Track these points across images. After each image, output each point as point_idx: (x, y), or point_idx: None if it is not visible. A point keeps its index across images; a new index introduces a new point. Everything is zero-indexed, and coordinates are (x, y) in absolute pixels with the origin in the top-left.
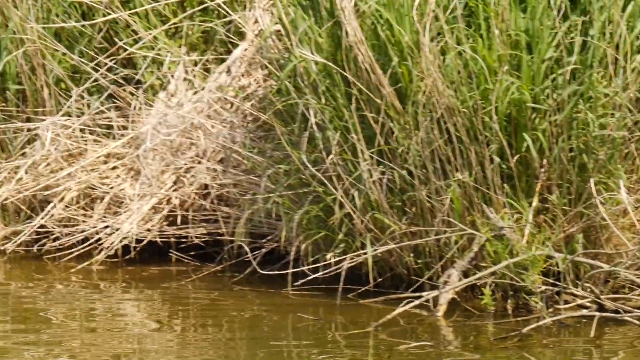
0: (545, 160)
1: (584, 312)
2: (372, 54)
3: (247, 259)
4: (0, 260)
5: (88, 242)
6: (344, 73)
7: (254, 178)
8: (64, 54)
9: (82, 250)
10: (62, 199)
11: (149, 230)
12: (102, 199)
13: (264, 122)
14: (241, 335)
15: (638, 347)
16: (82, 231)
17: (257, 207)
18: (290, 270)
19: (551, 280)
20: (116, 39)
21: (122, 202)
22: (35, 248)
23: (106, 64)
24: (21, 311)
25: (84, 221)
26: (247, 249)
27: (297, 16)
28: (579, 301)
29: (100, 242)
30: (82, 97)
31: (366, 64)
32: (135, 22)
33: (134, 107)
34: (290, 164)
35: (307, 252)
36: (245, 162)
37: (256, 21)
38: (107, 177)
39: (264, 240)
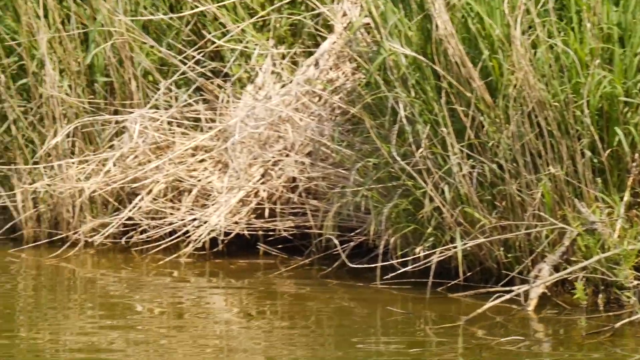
0: (637, 154)
1: None
2: (463, 47)
3: (334, 252)
4: (88, 252)
5: (175, 235)
6: (433, 66)
7: (342, 171)
8: (152, 47)
9: (169, 243)
10: (150, 191)
11: (236, 223)
12: (190, 191)
13: (352, 115)
14: (329, 326)
15: None
16: (170, 224)
17: (346, 200)
18: (379, 264)
19: None
20: (204, 32)
21: (210, 194)
22: (122, 240)
23: (194, 56)
24: (108, 298)
25: (171, 214)
26: (336, 242)
27: (387, 9)
28: None
29: (187, 235)
30: (170, 90)
31: (456, 57)
32: (223, 14)
33: (222, 100)
34: (379, 157)
35: (395, 245)
36: (334, 156)
37: (344, 14)
38: (194, 170)
39: (352, 234)
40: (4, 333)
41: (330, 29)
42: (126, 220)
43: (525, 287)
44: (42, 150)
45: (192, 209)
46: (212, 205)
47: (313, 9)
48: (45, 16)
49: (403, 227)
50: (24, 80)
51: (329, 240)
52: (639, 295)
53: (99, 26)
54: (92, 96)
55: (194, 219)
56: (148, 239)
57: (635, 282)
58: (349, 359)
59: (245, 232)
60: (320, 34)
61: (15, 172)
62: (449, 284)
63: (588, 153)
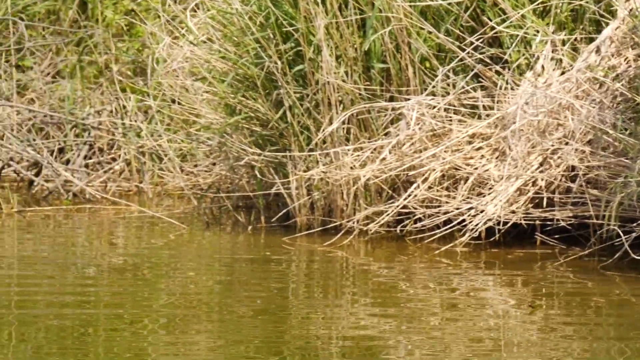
0: None
1: None
2: None
3: (615, 243)
4: (362, 240)
5: (451, 224)
6: None
7: (625, 160)
8: (430, 33)
9: (444, 232)
10: (426, 179)
11: (513, 212)
12: (466, 179)
13: (636, 103)
14: (608, 322)
15: None
16: (445, 212)
17: (630, 190)
18: None
19: None
20: (483, 18)
21: (486, 183)
22: (397, 229)
23: (472, 42)
24: (381, 287)
25: (447, 202)
26: (620, 232)
27: None
28: None
29: (463, 224)
30: (447, 77)
31: None
32: (502, 0)
33: (500, 87)
34: None
35: None
36: (616, 144)
37: None
38: (471, 158)
39: (634, 224)
40: (278, 315)
41: (612, 14)
42: (400, 208)
43: None
44: (318, 138)
45: (468, 198)
46: (489, 194)
47: None
48: (323, 2)
49: None
50: (301, 67)
51: (608, 230)
52: None
53: (377, 12)
54: (368, 82)
55: (470, 208)
56: (423, 228)
57: None
58: (628, 354)
59: (523, 222)
60: (603, 19)
61: (290, 159)
62: None
63: None
